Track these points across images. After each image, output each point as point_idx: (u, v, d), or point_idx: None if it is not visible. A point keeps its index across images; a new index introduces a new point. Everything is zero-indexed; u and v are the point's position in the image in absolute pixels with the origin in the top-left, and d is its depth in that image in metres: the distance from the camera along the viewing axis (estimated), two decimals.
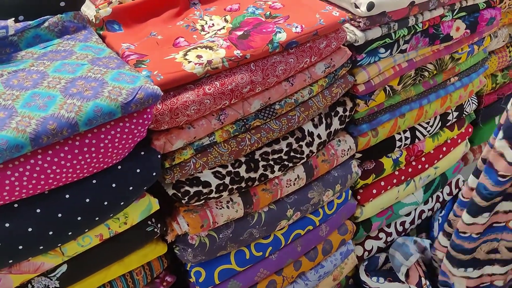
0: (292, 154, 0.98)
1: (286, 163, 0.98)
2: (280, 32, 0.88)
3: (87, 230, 0.79)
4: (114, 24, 0.92)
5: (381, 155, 1.21)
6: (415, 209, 1.40)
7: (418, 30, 1.04)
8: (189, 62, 0.82)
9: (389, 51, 1.03)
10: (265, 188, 0.98)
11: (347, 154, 1.11)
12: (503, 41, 1.33)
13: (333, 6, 0.96)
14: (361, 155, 1.17)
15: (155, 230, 0.88)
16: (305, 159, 1.01)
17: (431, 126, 1.26)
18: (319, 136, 1.02)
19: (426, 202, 1.42)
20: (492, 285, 1.14)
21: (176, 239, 0.94)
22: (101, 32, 0.90)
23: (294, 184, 1.02)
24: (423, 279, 1.28)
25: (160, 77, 0.79)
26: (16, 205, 0.70)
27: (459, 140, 1.38)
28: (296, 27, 0.89)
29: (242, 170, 0.92)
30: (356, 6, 0.96)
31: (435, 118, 1.26)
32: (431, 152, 1.33)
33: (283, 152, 0.97)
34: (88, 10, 1.01)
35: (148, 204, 0.85)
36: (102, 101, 0.69)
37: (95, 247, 0.82)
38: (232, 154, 0.90)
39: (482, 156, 0.97)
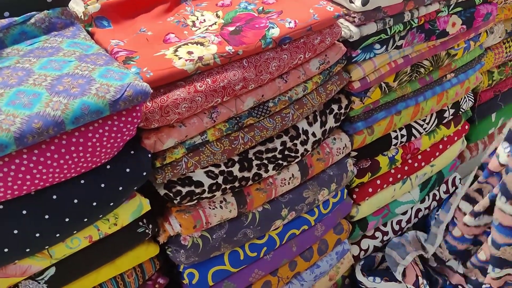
0: (286, 152, 0.96)
1: (280, 162, 0.96)
2: (273, 28, 0.86)
3: (75, 231, 0.77)
4: (103, 20, 0.90)
5: (377, 153, 1.19)
6: (412, 208, 1.39)
7: (413, 26, 1.03)
8: (180, 58, 0.79)
9: (384, 47, 1.01)
10: (259, 188, 0.96)
11: (343, 153, 1.09)
12: (500, 37, 1.31)
13: (327, 1, 0.94)
14: (356, 153, 1.15)
15: (147, 231, 0.86)
16: (299, 158, 0.99)
17: (428, 124, 1.24)
18: (313, 134, 1.00)
19: (422, 201, 1.41)
20: None
21: (168, 240, 0.92)
22: (90, 29, 0.88)
23: (288, 183, 1.00)
24: (420, 278, 1.27)
25: (150, 74, 0.77)
26: (0, 207, 0.68)
27: (456, 138, 1.36)
28: (290, 22, 0.87)
29: (235, 169, 0.90)
30: (351, 1, 0.94)
31: (432, 115, 1.25)
32: (428, 149, 1.31)
33: (277, 151, 0.95)
34: (76, 6, 0.98)
35: (138, 205, 0.82)
36: (90, 98, 0.67)
37: (85, 249, 0.80)
38: (225, 153, 0.88)
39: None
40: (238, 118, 0.88)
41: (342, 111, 1.04)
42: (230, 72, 0.82)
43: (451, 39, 1.12)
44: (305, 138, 0.98)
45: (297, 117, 0.95)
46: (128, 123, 0.73)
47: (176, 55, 0.80)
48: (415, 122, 1.22)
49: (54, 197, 0.71)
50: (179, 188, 0.85)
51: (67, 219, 0.73)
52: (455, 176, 1.46)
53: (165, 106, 0.77)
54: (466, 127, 1.39)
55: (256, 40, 0.84)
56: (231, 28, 0.87)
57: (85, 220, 0.76)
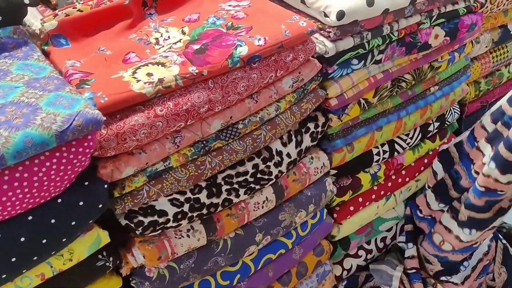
0: (259, 175, 0.91)
1: (252, 185, 0.90)
2: (241, 46, 0.80)
3: (25, 270, 0.71)
4: (60, 38, 0.84)
5: (358, 170, 1.14)
6: (397, 224, 1.34)
7: (393, 39, 0.97)
8: (138, 81, 0.74)
9: (362, 62, 0.96)
10: (230, 213, 0.91)
11: (321, 172, 1.03)
12: (486, 46, 1.26)
13: (300, 16, 0.88)
14: (336, 171, 1.09)
15: (107, 264, 0.80)
16: (274, 180, 0.94)
17: (411, 138, 1.19)
18: (288, 155, 0.94)
19: None
20: None
21: (132, 271, 0.86)
22: (46, 48, 0.82)
23: (262, 207, 0.95)
24: None
25: (104, 99, 0.71)
26: None
27: None
28: (259, 39, 0.82)
29: (202, 196, 0.85)
30: (326, 15, 0.89)
31: (415, 129, 1.19)
32: (412, 164, 1.26)
33: (249, 174, 0.89)
34: (35, 21, 0.92)
35: (96, 238, 0.77)
36: (34, 130, 0.61)
37: (38, 287, 0.74)
38: (191, 179, 0.82)
39: None
40: (204, 142, 0.82)
41: (319, 129, 0.99)
42: (194, 94, 0.77)
43: (434, 52, 1.07)
44: (279, 159, 0.93)
45: (270, 138, 0.89)
46: (79, 154, 0.67)
47: (135, 78, 0.74)
48: (398, 137, 1.17)
49: None
50: (140, 218, 0.80)
51: (13, 259, 0.67)
52: None
53: (122, 133, 0.71)
54: (453, 139, 1.34)
55: (222, 60, 0.78)
56: (196, 47, 0.81)
57: (35, 258, 0.70)
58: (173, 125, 0.76)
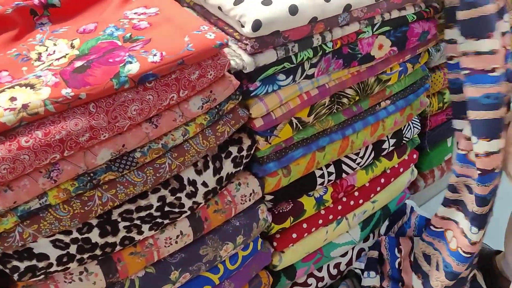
0: (167, 209, 0.79)
1: (159, 220, 0.79)
2: (131, 63, 0.69)
3: None
4: None
5: (299, 194, 1.02)
6: (353, 248, 1.22)
7: (328, 51, 0.85)
8: None
9: (291, 77, 0.84)
10: (135, 252, 0.80)
11: (250, 200, 0.92)
12: None
13: (211, 26, 0.76)
14: (273, 196, 0.98)
15: None
16: (188, 212, 0.82)
17: (362, 158, 1.07)
18: (204, 184, 0.82)
19: (366, 239, 1.24)
20: None
21: None
22: None
23: (177, 242, 0.84)
24: None
25: None
26: None
27: (402, 169, 1.19)
28: (155, 55, 0.70)
29: (94, 235, 0.73)
30: (242, 25, 0.76)
31: (367, 148, 1.07)
32: (366, 185, 1.14)
33: (154, 208, 0.78)
34: None
35: None
36: None
37: None
38: (76, 218, 0.71)
39: None
40: (91, 175, 0.71)
41: (244, 153, 0.87)
42: (70, 121, 0.65)
43: (380, 63, 0.95)
44: (193, 189, 0.81)
45: (177, 167, 0.78)
46: None
47: None
48: (346, 156, 1.05)
49: None
50: (15, 263, 0.69)
51: None
52: (411, 206, 1.28)
53: None
54: (415, 156, 1.22)
55: (105, 80, 0.67)
56: (79, 64, 0.69)
57: None
58: (45, 158, 0.64)
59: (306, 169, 0.98)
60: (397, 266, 1.17)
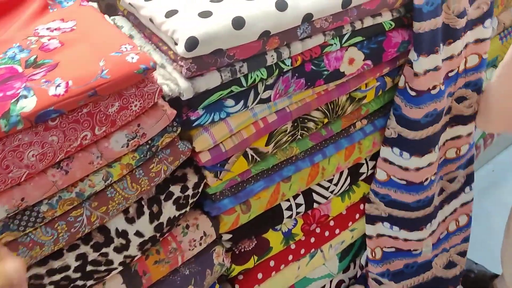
0: (90, 268, 0.65)
1: (80, 283, 0.65)
2: (26, 97, 0.54)
3: None
4: None
5: (264, 230, 0.88)
6: (331, 281, 1.08)
7: (286, 70, 0.70)
8: None
9: (241, 102, 0.69)
10: None
11: (202, 244, 0.78)
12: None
13: (135, 46, 0.61)
14: (231, 235, 0.83)
15: None
16: (120, 268, 0.68)
17: (336, 185, 0.93)
18: (139, 234, 0.68)
19: (346, 270, 1.10)
20: None
21: None
22: None
23: None
24: None
25: None
26: None
27: None
28: (58, 85, 0.55)
29: None
30: (175, 43, 0.62)
31: (341, 173, 0.93)
32: (343, 213, 1.00)
33: (72, 269, 0.64)
34: None
35: None
36: None
37: None
38: None
39: None
40: None
41: (190, 192, 0.73)
42: None
43: (353, 80, 0.80)
44: (123, 242, 0.67)
45: (99, 218, 0.63)
46: None
47: None
48: (318, 185, 0.91)
49: None
50: None
51: None
52: None
53: None
54: None
55: None
56: None
57: None
58: None
59: (270, 202, 0.84)
60: None
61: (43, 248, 0.60)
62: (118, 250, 0.67)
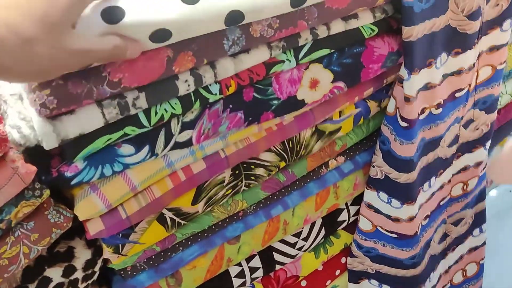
0: None
1: None
2: None
3: None
4: None
5: None
6: None
7: (213, 100, 0.48)
8: None
9: (145, 148, 0.47)
10: None
11: None
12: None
13: None
14: None
15: None
16: None
17: (306, 239, 0.70)
18: None
19: None
20: None
21: None
22: None
23: None
24: None
25: None
26: None
27: None
28: None
29: None
30: None
31: (313, 225, 0.70)
32: (319, 269, 0.77)
33: None
34: None
35: None
36: None
37: None
38: None
39: None
40: None
41: (79, 275, 0.50)
42: None
43: (319, 108, 0.57)
44: None
45: None
46: None
47: None
48: (281, 241, 0.68)
49: None
50: None
51: None
52: None
53: None
54: None
55: None
56: None
57: None
58: None
59: (210, 271, 0.62)
60: None
61: None
62: None
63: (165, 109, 0.46)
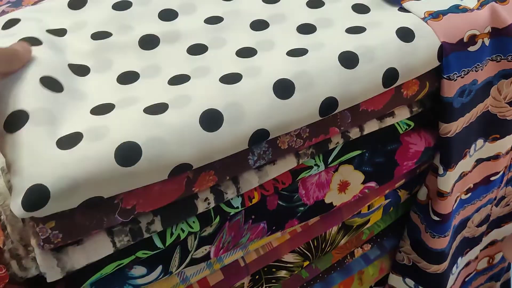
0: None
1: None
2: None
3: None
4: None
5: None
6: None
7: (233, 213, 0.43)
8: None
9: (159, 268, 0.43)
10: None
11: None
12: None
13: None
14: None
15: None
16: None
17: None
18: None
19: None
20: None
21: None
22: None
23: None
24: None
25: None
26: None
27: None
28: None
29: None
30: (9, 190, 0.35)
31: None
32: None
33: None
34: None
35: None
36: None
37: None
38: None
39: None
40: None
41: None
42: None
43: (350, 204, 0.52)
44: None
45: None
46: None
47: None
48: None
49: None
50: None
51: None
52: None
53: None
54: None
55: None
56: None
57: None
58: None
59: None
60: None
61: None
62: None
63: (181, 229, 0.41)
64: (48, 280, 0.37)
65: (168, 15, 0.46)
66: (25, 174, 0.33)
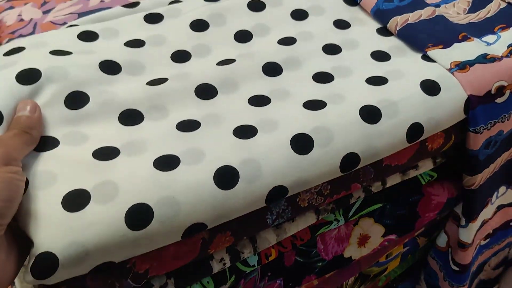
0: None
1: None
2: None
3: None
4: None
5: None
6: None
7: (249, 271, 0.41)
8: None
9: None
10: None
11: None
12: None
13: None
14: None
15: None
16: None
17: None
18: None
19: None
20: None
21: None
22: None
23: None
24: None
25: None
26: None
27: None
28: None
29: None
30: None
31: None
32: None
33: None
34: None
35: None
36: None
37: None
38: None
39: None
40: None
41: None
42: None
43: (369, 256, 0.50)
44: None
45: None
46: None
47: None
48: None
49: None
50: None
51: None
52: None
53: None
54: None
55: None
56: None
57: None
58: None
59: None
60: None
61: None
62: None
63: None
64: None
65: (180, 56, 0.45)
66: (34, 240, 0.32)
